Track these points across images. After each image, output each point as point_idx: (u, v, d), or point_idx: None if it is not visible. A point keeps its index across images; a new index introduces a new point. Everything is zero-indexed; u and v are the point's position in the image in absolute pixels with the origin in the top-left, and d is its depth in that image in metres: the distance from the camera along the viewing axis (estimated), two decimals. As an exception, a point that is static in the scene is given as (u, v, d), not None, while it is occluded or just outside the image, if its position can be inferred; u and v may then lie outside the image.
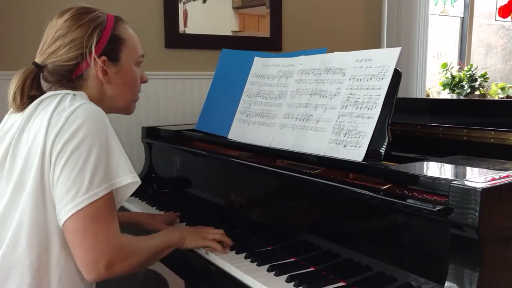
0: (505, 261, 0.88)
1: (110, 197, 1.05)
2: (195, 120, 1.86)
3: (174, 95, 2.31)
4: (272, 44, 2.54)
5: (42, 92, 1.17)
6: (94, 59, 1.14)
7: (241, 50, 1.79)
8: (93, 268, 1.02)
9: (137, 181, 1.09)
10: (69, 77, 1.17)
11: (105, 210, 1.03)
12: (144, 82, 1.32)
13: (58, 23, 1.16)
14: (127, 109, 1.30)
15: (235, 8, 2.44)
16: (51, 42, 1.15)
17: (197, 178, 1.74)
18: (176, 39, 2.30)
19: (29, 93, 1.15)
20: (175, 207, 1.65)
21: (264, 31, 2.54)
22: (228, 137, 1.60)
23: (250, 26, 2.49)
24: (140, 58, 1.28)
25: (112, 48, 1.18)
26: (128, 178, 1.06)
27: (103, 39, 1.16)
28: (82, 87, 1.18)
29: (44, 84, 1.19)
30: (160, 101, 2.28)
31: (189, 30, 2.33)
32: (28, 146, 1.07)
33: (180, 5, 2.29)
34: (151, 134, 1.99)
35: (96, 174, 1.02)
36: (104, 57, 1.16)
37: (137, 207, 1.75)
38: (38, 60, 1.17)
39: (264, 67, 1.60)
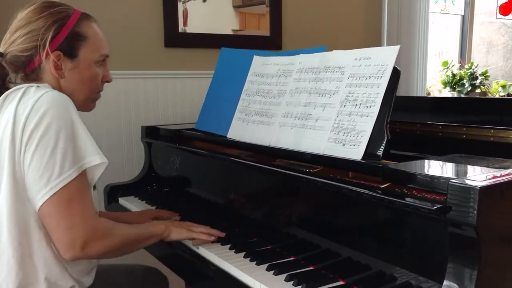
0: (504, 259, 0.88)
1: (82, 178, 1.08)
2: (194, 119, 1.86)
3: (173, 94, 2.31)
4: (272, 43, 2.54)
5: (4, 82, 1.19)
6: (47, 53, 1.15)
7: (240, 49, 1.79)
8: (70, 248, 1.06)
9: (105, 162, 1.11)
10: (24, 69, 1.18)
11: (78, 192, 1.06)
12: (107, 81, 1.31)
13: (23, 13, 1.18)
14: (84, 107, 1.27)
15: (235, 7, 2.44)
16: (13, 32, 1.17)
17: (196, 177, 1.74)
18: (176, 38, 2.30)
19: None
20: (175, 206, 1.65)
21: (264, 29, 2.53)
22: (228, 136, 1.60)
23: (250, 25, 2.49)
24: (103, 57, 1.26)
25: (70, 44, 1.18)
26: (96, 159, 1.09)
27: (61, 35, 1.16)
28: (40, 80, 1.19)
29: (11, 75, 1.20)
30: (159, 100, 2.28)
31: (189, 29, 2.33)
32: None
33: (180, 4, 2.29)
34: (150, 133, 1.99)
35: (66, 157, 1.05)
36: (58, 52, 1.16)
37: (137, 206, 1.75)
38: (1, 49, 1.18)
39: (263, 66, 1.60)
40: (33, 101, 1.07)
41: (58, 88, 1.20)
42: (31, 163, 1.04)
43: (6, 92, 1.16)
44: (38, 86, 1.14)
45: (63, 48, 1.17)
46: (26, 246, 1.08)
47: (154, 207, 1.72)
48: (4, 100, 1.15)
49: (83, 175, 1.08)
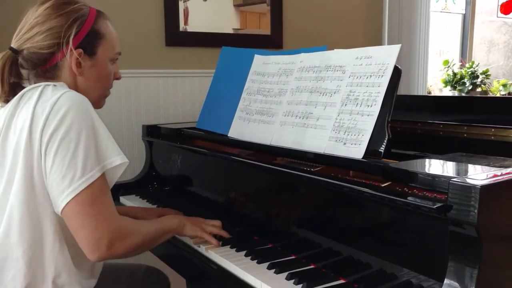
0: (504, 258, 0.88)
1: (103, 179, 1.08)
2: (195, 118, 1.87)
3: (174, 93, 2.31)
4: (273, 42, 2.54)
5: (22, 79, 1.19)
6: (71, 50, 1.15)
7: (241, 48, 1.79)
8: (96, 248, 1.05)
9: (126, 162, 1.12)
10: (43, 66, 1.17)
11: (101, 192, 1.06)
12: (117, 79, 1.33)
13: (39, 10, 1.17)
14: (97, 104, 1.28)
15: (236, 5, 2.44)
16: (29, 28, 1.16)
17: (197, 176, 1.75)
18: (177, 37, 2.30)
19: (9, 80, 1.16)
20: (176, 205, 1.65)
21: (265, 28, 2.53)
22: (229, 135, 1.61)
23: (251, 24, 2.49)
24: (117, 55, 1.28)
25: (90, 42, 1.19)
26: (118, 159, 1.10)
27: (82, 32, 1.17)
28: (57, 77, 1.19)
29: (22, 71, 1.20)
30: (160, 99, 2.29)
31: (190, 28, 2.33)
32: (16, 139, 1.09)
33: (181, 3, 2.29)
34: (151, 132, 1.99)
35: (88, 158, 1.05)
36: (80, 50, 1.17)
37: (138, 205, 1.75)
38: (14, 45, 1.17)
39: (264, 65, 1.60)
40: (52, 102, 1.06)
41: (74, 85, 1.20)
42: (53, 166, 1.04)
43: (22, 91, 1.15)
44: (55, 85, 1.13)
45: (84, 46, 1.18)
46: (37, 249, 1.08)
47: (155, 206, 1.72)
48: (20, 99, 1.14)
49: (104, 175, 1.08)
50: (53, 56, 1.16)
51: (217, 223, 1.36)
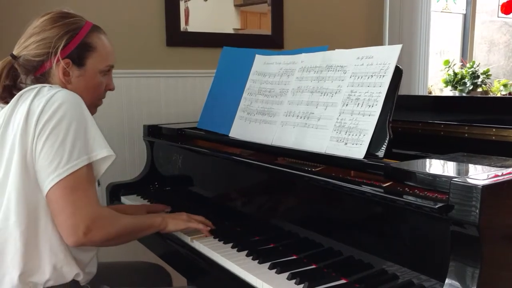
0: (506, 258, 0.88)
1: (88, 169, 1.14)
2: (196, 118, 1.87)
3: (175, 93, 2.32)
4: (273, 42, 2.54)
5: (16, 83, 1.26)
6: (58, 60, 1.22)
7: (242, 48, 1.79)
8: (73, 233, 1.10)
9: (112, 155, 1.18)
10: (35, 73, 1.25)
11: (84, 181, 1.12)
12: (110, 90, 1.39)
13: (39, 21, 1.25)
14: None
15: (237, 5, 2.44)
16: (27, 37, 1.25)
17: (198, 176, 1.75)
18: (178, 37, 2.30)
19: (4, 82, 1.25)
20: (177, 205, 1.65)
21: (265, 28, 2.53)
22: (230, 135, 1.61)
23: (251, 24, 2.49)
24: (108, 67, 1.33)
25: (79, 54, 1.26)
26: (104, 152, 1.16)
27: (72, 44, 1.24)
28: (48, 83, 1.25)
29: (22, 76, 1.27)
30: (161, 99, 2.29)
31: (191, 28, 2.33)
32: (13, 133, 1.15)
33: (182, 3, 2.29)
34: (152, 132, 1.99)
35: (75, 147, 1.12)
36: (68, 60, 1.24)
37: (139, 205, 1.76)
38: (15, 51, 1.26)
39: (265, 65, 1.60)
40: (48, 97, 1.14)
41: None
42: (42, 150, 1.10)
43: (21, 92, 1.21)
44: (51, 86, 1.20)
45: (73, 57, 1.25)
46: (32, 230, 1.13)
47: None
48: (18, 99, 1.20)
49: (90, 167, 1.15)
50: (42, 64, 1.23)
51: (200, 218, 1.39)
